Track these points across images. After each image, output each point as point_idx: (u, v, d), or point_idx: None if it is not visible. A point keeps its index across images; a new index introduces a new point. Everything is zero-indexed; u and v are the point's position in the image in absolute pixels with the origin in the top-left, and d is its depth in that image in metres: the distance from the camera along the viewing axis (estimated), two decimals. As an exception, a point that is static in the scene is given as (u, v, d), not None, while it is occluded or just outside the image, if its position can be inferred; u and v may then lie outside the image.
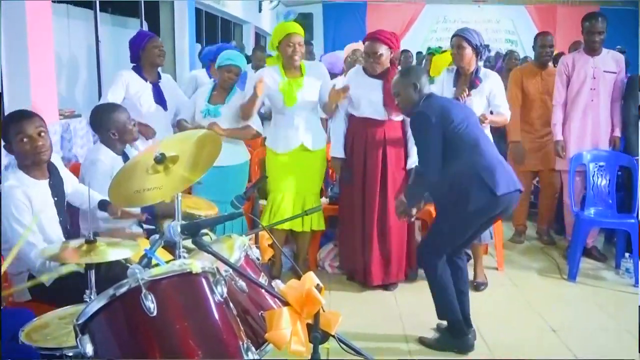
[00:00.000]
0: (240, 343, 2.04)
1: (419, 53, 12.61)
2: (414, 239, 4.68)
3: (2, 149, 2.99)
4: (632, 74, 5.26)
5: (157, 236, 2.35)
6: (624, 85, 5.13)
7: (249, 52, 8.61)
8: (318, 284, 2.14)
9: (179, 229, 2.19)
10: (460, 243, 3.66)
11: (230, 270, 2.26)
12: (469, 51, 4.39)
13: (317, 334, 2.13)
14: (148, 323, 1.90)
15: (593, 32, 5.06)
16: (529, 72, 5.65)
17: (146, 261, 2.21)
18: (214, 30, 10.46)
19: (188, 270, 2.03)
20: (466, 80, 4.46)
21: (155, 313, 1.90)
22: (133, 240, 2.85)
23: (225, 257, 2.25)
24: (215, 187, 4.15)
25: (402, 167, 4.48)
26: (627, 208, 4.97)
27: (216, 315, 2.03)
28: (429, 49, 9.46)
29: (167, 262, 2.29)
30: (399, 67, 4.48)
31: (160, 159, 2.51)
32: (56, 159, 3.26)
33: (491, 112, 4.49)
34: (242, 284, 2.31)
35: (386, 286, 4.56)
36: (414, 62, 10.85)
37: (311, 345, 2.13)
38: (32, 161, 2.96)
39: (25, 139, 2.90)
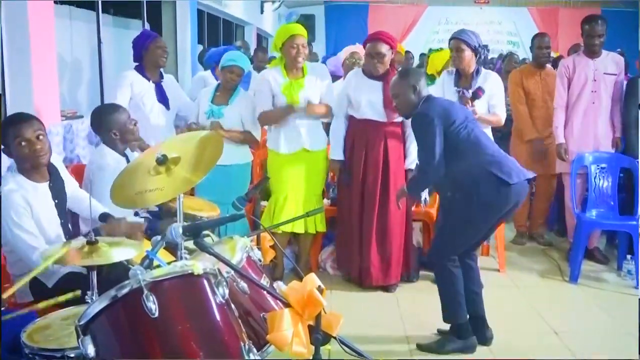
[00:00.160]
0: (242, 344, 2.04)
1: (422, 55, 12.61)
2: (412, 241, 4.68)
3: (2, 153, 2.98)
4: (633, 75, 5.24)
5: (159, 237, 2.35)
6: (624, 87, 5.13)
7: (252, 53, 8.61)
8: (319, 286, 2.14)
9: (180, 230, 2.19)
10: (473, 242, 3.66)
11: (232, 272, 2.26)
12: (467, 53, 4.41)
13: (318, 335, 2.13)
14: (150, 324, 1.90)
15: (593, 35, 5.06)
16: (529, 73, 5.69)
17: (148, 262, 2.22)
18: (216, 31, 10.46)
19: (190, 271, 2.03)
20: (467, 82, 4.46)
21: (156, 314, 1.90)
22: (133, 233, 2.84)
23: (227, 258, 2.25)
24: (217, 186, 4.16)
25: (402, 168, 4.49)
26: (629, 210, 4.97)
27: (218, 317, 2.03)
28: (430, 50, 9.45)
29: (169, 263, 2.29)
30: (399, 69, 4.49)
31: (162, 160, 2.51)
32: (57, 161, 3.25)
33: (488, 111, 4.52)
34: (243, 285, 2.31)
35: (386, 288, 4.56)
36: (415, 63, 10.86)
37: (312, 347, 2.13)
38: (31, 165, 2.94)
39: (23, 143, 2.88)
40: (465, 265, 3.64)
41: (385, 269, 4.52)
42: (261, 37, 13.58)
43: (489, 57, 9.29)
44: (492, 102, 4.50)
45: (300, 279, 2.19)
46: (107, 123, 3.65)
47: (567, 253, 5.27)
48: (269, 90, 4.46)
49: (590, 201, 5.07)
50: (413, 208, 4.68)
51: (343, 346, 2.27)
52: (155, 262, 2.27)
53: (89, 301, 2.32)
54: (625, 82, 5.17)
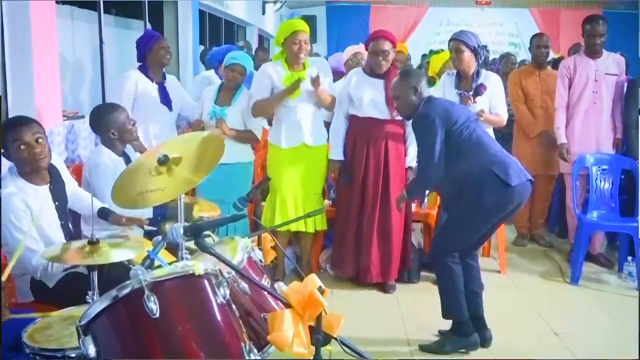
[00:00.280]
0: (243, 345, 2.05)
1: (424, 55, 12.62)
2: (411, 240, 4.68)
3: (1, 156, 2.97)
4: (633, 76, 5.24)
5: (159, 238, 2.36)
6: (624, 87, 5.13)
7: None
8: (320, 286, 2.14)
9: (181, 231, 2.19)
10: (473, 242, 3.66)
11: (233, 272, 2.26)
12: (467, 54, 4.40)
13: (319, 336, 2.13)
14: (150, 324, 1.91)
15: (594, 35, 5.06)
16: (528, 73, 5.74)
17: (149, 262, 2.22)
18: (218, 32, 10.47)
19: (191, 271, 2.03)
20: (467, 83, 4.46)
21: (157, 314, 1.90)
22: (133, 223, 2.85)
23: (228, 258, 2.25)
24: (219, 185, 4.16)
25: (403, 166, 4.50)
26: (630, 211, 4.97)
27: (218, 317, 2.03)
28: (430, 51, 9.44)
29: (170, 263, 2.29)
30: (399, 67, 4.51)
31: (164, 161, 2.52)
32: (58, 162, 3.25)
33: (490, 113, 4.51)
34: (244, 285, 2.31)
35: (385, 288, 4.57)
36: (416, 64, 10.84)
37: (313, 348, 2.13)
38: (31, 168, 2.93)
39: (22, 146, 2.86)
40: (465, 264, 3.64)
41: (384, 266, 4.54)
42: (263, 38, 13.58)
43: (490, 58, 9.29)
44: (493, 102, 4.50)
45: (301, 279, 2.20)
46: (106, 123, 3.65)
47: (568, 254, 5.26)
48: (269, 82, 4.47)
49: (591, 202, 5.07)
50: (413, 209, 4.69)
51: (344, 347, 2.27)
52: (156, 263, 2.27)
53: (90, 301, 2.32)
54: (625, 84, 5.17)
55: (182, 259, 2.41)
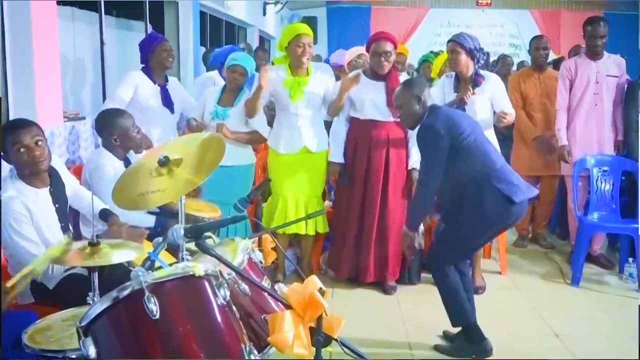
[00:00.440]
0: (243, 346, 2.05)
1: (424, 60, 12.60)
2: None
3: (1, 159, 2.97)
4: (633, 78, 5.24)
5: (160, 239, 2.36)
6: (624, 88, 5.13)
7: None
8: (321, 288, 2.14)
9: (182, 232, 2.19)
10: (471, 251, 3.66)
11: (233, 273, 2.26)
12: (463, 56, 4.37)
13: (319, 337, 2.13)
14: (151, 325, 1.91)
15: (595, 36, 5.05)
16: (527, 76, 5.72)
17: (149, 264, 2.22)
18: (218, 33, 10.47)
19: (191, 273, 2.04)
20: (466, 86, 4.42)
21: (158, 316, 1.90)
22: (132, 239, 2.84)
23: (229, 260, 2.25)
24: (220, 188, 4.16)
25: (404, 168, 4.50)
26: (631, 213, 4.96)
27: (219, 318, 2.03)
28: (430, 52, 9.42)
29: (170, 264, 2.29)
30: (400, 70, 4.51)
31: (164, 162, 2.52)
32: (58, 163, 3.24)
33: (494, 113, 4.50)
34: (245, 287, 2.32)
35: (386, 289, 4.57)
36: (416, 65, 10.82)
37: (313, 349, 2.13)
38: (31, 171, 2.91)
39: (22, 149, 2.85)
40: (458, 271, 3.64)
41: (382, 267, 4.55)
42: (263, 39, 13.59)
43: (491, 60, 9.30)
44: (499, 103, 4.46)
45: (302, 280, 2.20)
46: (110, 127, 3.64)
47: (569, 256, 5.26)
48: (270, 84, 4.45)
49: (591, 204, 5.06)
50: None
51: (344, 348, 2.28)
52: (157, 264, 2.27)
53: (90, 302, 2.32)
54: (625, 85, 5.17)
55: (182, 260, 2.41)
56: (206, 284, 2.07)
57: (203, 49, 8.15)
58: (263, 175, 5.28)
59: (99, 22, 5.52)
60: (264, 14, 12.90)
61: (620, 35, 7.42)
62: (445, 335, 3.78)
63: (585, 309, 4.44)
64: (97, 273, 2.42)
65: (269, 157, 4.69)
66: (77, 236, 3.40)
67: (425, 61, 7.85)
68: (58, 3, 4.34)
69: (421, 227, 4.93)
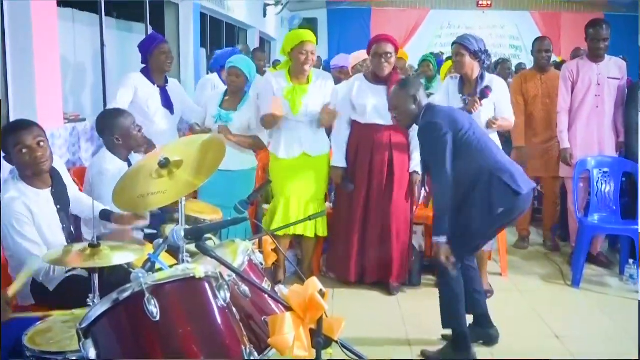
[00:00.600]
0: (243, 348, 2.05)
1: (424, 60, 12.62)
2: (412, 244, 4.68)
3: (3, 160, 2.97)
4: (634, 80, 5.25)
5: (160, 240, 2.36)
6: (625, 90, 5.13)
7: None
8: (321, 289, 2.14)
9: (182, 234, 2.19)
10: (477, 247, 3.66)
11: (234, 275, 2.26)
12: (468, 58, 4.32)
13: (319, 339, 2.13)
14: (151, 327, 1.91)
15: (597, 39, 5.05)
16: (530, 77, 5.73)
17: (149, 265, 2.22)
18: (219, 35, 10.48)
19: (191, 274, 2.04)
20: (471, 88, 4.40)
21: (158, 317, 1.91)
22: (134, 243, 2.84)
23: (229, 261, 2.25)
24: (221, 192, 4.16)
25: (407, 171, 4.50)
26: (631, 214, 4.96)
27: (219, 320, 2.04)
28: (430, 53, 9.44)
29: (171, 266, 2.30)
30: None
31: (164, 164, 2.52)
32: (60, 165, 3.25)
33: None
34: (245, 288, 2.32)
35: (389, 290, 4.57)
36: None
37: (314, 351, 2.13)
38: (32, 172, 2.92)
39: (24, 150, 2.85)
40: (464, 266, 3.63)
41: (385, 269, 4.55)
42: (264, 41, 13.60)
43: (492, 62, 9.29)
44: (500, 107, 4.42)
45: (303, 282, 2.20)
46: (111, 127, 3.65)
47: (569, 257, 5.26)
48: (272, 93, 4.47)
49: (592, 205, 5.06)
50: (415, 212, 4.69)
51: (344, 350, 2.28)
52: (157, 265, 2.27)
53: (91, 304, 2.32)
54: (626, 86, 5.17)
55: (182, 261, 2.41)
56: (206, 285, 2.07)
57: (203, 51, 8.16)
58: (264, 176, 5.28)
59: (99, 23, 5.52)
60: (265, 15, 12.91)
61: (620, 36, 7.43)
62: (445, 339, 3.77)
63: (586, 311, 4.44)
64: (97, 274, 2.42)
65: (270, 162, 4.69)
66: (79, 238, 3.40)
67: (425, 61, 7.89)
68: (58, 4, 4.34)
69: (421, 228, 4.95)
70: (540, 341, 3.89)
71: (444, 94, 4.60)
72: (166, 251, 2.49)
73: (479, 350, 3.61)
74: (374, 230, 4.51)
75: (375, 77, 4.49)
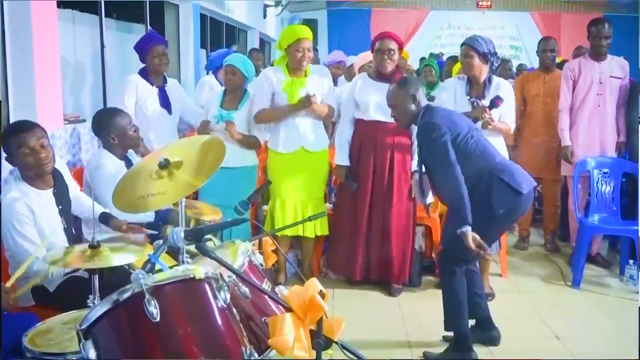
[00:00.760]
0: (243, 349, 2.05)
1: (422, 59, 12.64)
2: (414, 245, 4.67)
3: (3, 160, 2.97)
4: (634, 80, 5.25)
5: (160, 241, 2.36)
6: (627, 90, 5.13)
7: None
8: (321, 290, 2.14)
9: (182, 235, 2.19)
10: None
11: (234, 276, 2.26)
12: (476, 60, 4.28)
13: (320, 340, 2.13)
14: (151, 328, 1.91)
15: (600, 37, 5.06)
16: (533, 77, 5.76)
17: (150, 266, 2.22)
18: (219, 36, 10.48)
19: (191, 275, 2.04)
20: (479, 89, 4.36)
21: (158, 318, 1.90)
22: (135, 244, 2.84)
23: (229, 262, 2.25)
24: (222, 189, 4.16)
25: (408, 169, 4.49)
26: (631, 215, 4.96)
27: (219, 321, 2.04)
28: (430, 54, 9.45)
29: (171, 267, 2.29)
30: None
31: (164, 165, 2.52)
32: (61, 166, 3.25)
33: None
34: (245, 289, 2.32)
35: (391, 291, 4.57)
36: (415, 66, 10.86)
37: (314, 352, 2.13)
38: (36, 173, 2.93)
39: (27, 151, 2.87)
40: (467, 270, 3.63)
41: (387, 268, 4.54)
42: (264, 42, 13.60)
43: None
44: (503, 112, 4.35)
45: (303, 283, 2.20)
46: (107, 127, 3.67)
47: (570, 258, 5.26)
48: (270, 87, 4.47)
49: (592, 206, 5.07)
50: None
51: (345, 351, 2.27)
52: (157, 266, 2.27)
53: (91, 305, 2.32)
54: (628, 86, 5.17)
55: (183, 262, 2.41)
56: (206, 286, 2.07)
57: (203, 52, 8.16)
58: (263, 177, 5.28)
59: (99, 24, 5.52)
60: (265, 16, 12.91)
61: (620, 37, 7.41)
62: (446, 340, 3.76)
63: (586, 311, 4.44)
64: (97, 275, 2.42)
65: (269, 158, 4.69)
66: (79, 239, 3.40)
67: (427, 66, 7.89)
68: (58, 5, 4.34)
69: (421, 229, 4.95)
70: (540, 342, 3.89)
71: (450, 94, 4.51)
72: (166, 252, 2.49)
73: (478, 351, 3.61)
74: (376, 230, 4.51)
75: (379, 75, 4.50)
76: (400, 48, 4.52)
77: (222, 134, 4.37)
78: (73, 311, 2.54)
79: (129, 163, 3.70)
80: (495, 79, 4.39)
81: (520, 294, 4.69)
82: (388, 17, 16.72)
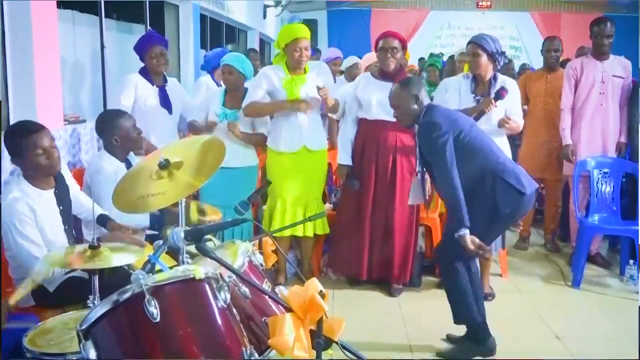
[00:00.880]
0: (243, 349, 2.05)
1: (421, 59, 12.64)
2: (416, 245, 4.66)
3: (4, 160, 2.97)
4: (636, 80, 5.24)
5: (160, 242, 2.36)
6: (630, 90, 5.13)
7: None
8: (321, 290, 2.14)
9: (182, 235, 2.19)
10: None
11: (234, 276, 2.26)
12: (484, 59, 4.26)
13: (320, 340, 2.13)
14: (151, 328, 1.91)
15: (602, 36, 5.06)
16: (536, 77, 5.76)
17: (150, 267, 2.22)
18: (219, 36, 10.48)
19: (191, 276, 2.04)
20: (484, 88, 4.34)
21: (158, 319, 1.90)
22: (134, 244, 2.83)
23: (229, 263, 2.25)
24: (223, 190, 4.16)
25: (412, 168, 4.47)
26: (632, 215, 4.96)
27: (219, 321, 2.04)
28: (430, 55, 9.44)
29: (171, 267, 2.29)
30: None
31: (164, 165, 2.52)
32: (62, 166, 3.25)
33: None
34: (245, 289, 2.31)
35: (391, 292, 4.57)
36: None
37: (314, 352, 2.13)
38: (46, 173, 2.95)
39: (40, 151, 2.89)
40: (467, 269, 3.62)
41: (387, 268, 4.54)
42: (264, 42, 13.60)
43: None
44: (511, 109, 4.33)
45: (303, 283, 2.20)
46: (110, 128, 3.66)
47: (570, 258, 5.26)
48: (267, 85, 4.46)
49: (592, 206, 5.06)
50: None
51: (345, 351, 2.27)
52: (157, 267, 2.27)
53: (91, 305, 2.32)
54: (630, 86, 5.17)
55: (183, 263, 2.41)
56: (207, 286, 2.07)
57: (203, 52, 8.16)
58: (264, 177, 5.27)
59: (99, 25, 5.52)
60: (265, 16, 12.92)
61: (620, 37, 7.41)
62: (449, 339, 3.76)
63: (586, 311, 4.44)
64: (97, 276, 2.42)
65: (268, 158, 4.68)
66: (79, 239, 3.40)
67: (431, 66, 7.90)
68: (58, 6, 4.35)
69: (421, 229, 4.95)
70: (540, 342, 3.88)
71: (455, 92, 4.46)
72: (166, 252, 2.49)
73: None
74: (378, 230, 4.51)
75: (382, 73, 4.49)
76: (404, 47, 4.52)
77: (226, 132, 4.39)
78: (73, 311, 2.55)
79: (129, 166, 3.69)
80: (501, 77, 4.38)
81: (521, 294, 4.69)
82: (388, 17, 16.73)
